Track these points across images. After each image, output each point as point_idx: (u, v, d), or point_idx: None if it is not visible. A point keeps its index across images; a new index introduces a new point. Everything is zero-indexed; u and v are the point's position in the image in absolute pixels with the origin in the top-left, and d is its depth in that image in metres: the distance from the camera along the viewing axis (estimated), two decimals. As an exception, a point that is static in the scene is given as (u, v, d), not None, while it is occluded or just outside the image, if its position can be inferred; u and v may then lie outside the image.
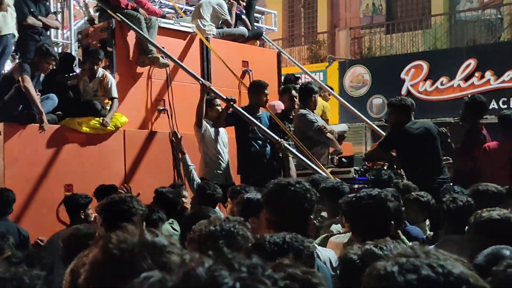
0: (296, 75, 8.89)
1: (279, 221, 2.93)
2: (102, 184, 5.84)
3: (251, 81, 7.76)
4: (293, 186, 3.00)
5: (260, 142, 6.78)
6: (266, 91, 6.78)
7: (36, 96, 6.47)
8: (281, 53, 9.37)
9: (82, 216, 4.91)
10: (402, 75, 15.55)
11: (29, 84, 6.39)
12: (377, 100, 16.02)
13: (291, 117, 7.14)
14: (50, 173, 6.67)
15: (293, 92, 7.20)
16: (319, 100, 8.70)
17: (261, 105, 6.83)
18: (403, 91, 15.31)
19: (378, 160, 6.89)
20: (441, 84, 15.17)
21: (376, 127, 8.79)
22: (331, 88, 9.61)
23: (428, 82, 15.26)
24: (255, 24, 9.31)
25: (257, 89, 6.82)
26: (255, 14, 9.58)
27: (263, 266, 1.03)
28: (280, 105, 7.58)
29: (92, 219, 5.08)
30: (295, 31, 20.68)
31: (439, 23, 17.31)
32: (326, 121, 8.50)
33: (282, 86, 7.44)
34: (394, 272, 1.21)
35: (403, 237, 4.23)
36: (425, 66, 15.36)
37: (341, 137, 8.38)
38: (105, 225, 3.09)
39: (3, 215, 4.96)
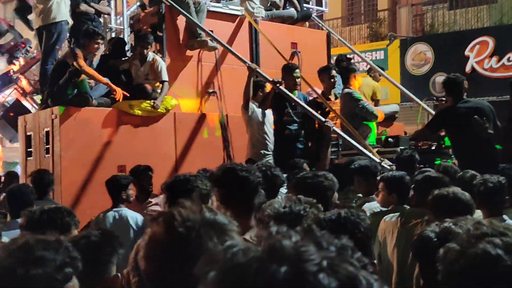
0: (348, 56, 8.92)
1: (227, 199, 3.03)
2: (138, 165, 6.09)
3: (299, 62, 7.90)
4: (239, 170, 3.09)
5: (295, 125, 6.96)
6: (294, 74, 6.93)
7: (98, 75, 6.84)
8: (331, 34, 9.41)
9: (124, 197, 5.16)
10: (467, 52, 15.24)
11: (86, 66, 6.77)
12: (440, 78, 15.67)
13: (330, 97, 7.24)
14: (103, 154, 7.02)
15: (333, 71, 7.27)
16: (369, 80, 8.76)
17: (293, 87, 6.98)
18: (468, 69, 15.01)
19: (424, 139, 6.89)
20: (508, 60, 14.79)
21: (426, 106, 8.73)
22: (382, 68, 9.58)
23: (494, 59, 14.90)
24: (305, 5, 9.38)
25: (287, 72, 6.98)
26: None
27: (353, 248, 0.99)
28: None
29: (132, 199, 5.36)
30: (354, 9, 20.50)
31: (506, -3, 16.80)
32: (377, 101, 8.55)
33: (321, 66, 7.52)
34: (501, 254, 1.19)
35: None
36: (490, 42, 14.99)
37: (391, 117, 8.42)
38: (170, 203, 3.12)
39: (43, 195, 5.31)
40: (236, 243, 0.99)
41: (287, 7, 8.87)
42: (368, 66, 9.75)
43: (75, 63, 6.68)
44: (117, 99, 6.92)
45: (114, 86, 6.90)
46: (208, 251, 1.39)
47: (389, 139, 6.81)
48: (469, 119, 6.26)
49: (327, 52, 8.98)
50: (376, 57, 17.43)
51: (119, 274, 2.42)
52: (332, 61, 8.75)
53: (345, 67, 7.28)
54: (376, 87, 8.59)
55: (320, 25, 9.36)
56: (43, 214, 2.81)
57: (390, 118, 8.37)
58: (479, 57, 15.11)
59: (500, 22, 16.62)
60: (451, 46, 15.61)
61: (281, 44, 8.17)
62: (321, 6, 9.84)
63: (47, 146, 6.94)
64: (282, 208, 2.49)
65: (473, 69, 15.03)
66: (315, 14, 9.75)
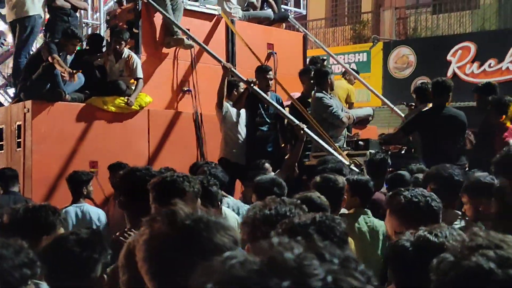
0: (323, 57, 9.12)
1: (127, 203, 3.31)
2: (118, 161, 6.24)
3: (275, 63, 8.10)
4: (138, 171, 3.37)
5: (267, 126, 7.16)
6: (267, 76, 7.14)
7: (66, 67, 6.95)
8: (308, 36, 9.61)
9: (85, 192, 5.30)
10: (449, 57, 15.54)
11: (62, 62, 6.89)
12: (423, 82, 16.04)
13: (309, 100, 7.44)
14: (76, 150, 7.14)
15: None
16: (344, 83, 8.97)
17: (266, 88, 7.18)
18: (449, 73, 15.30)
19: (395, 143, 7.12)
20: (489, 66, 15.10)
21: (398, 110, 8.97)
22: (357, 72, 9.80)
23: (476, 64, 15.20)
24: (283, 6, 9.57)
25: (260, 73, 7.19)
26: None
27: (355, 259, 0.96)
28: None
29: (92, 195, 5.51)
30: (338, 10, 20.74)
31: (488, 3, 17.09)
32: (351, 104, 8.75)
33: (301, 68, 7.72)
34: (493, 268, 1.17)
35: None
36: (472, 47, 15.29)
37: (365, 120, 8.62)
38: (158, 202, 3.15)
39: (8, 188, 5.48)
40: (235, 254, 0.96)
41: (265, 8, 9.06)
42: (343, 69, 9.97)
43: (49, 58, 6.80)
44: (69, 80, 6.95)
45: (67, 68, 6.94)
46: (217, 246, 1.39)
47: (360, 142, 7.01)
48: (443, 126, 6.52)
49: (303, 54, 9.17)
50: (359, 59, 17.69)
51: (105, 276, 2.42)
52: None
53: (319, 69, 7.47)
54: (350, 90, 8.79)
55: (297, 26, 9.55)
56: (27, 213, 2.81)
57: (363, 121, 8.57)
58: (460, 62, 15.42)
59: (482, 28, 16.94)
60: (433, 50, 15.91)
61: (257, 45, 8.34)
62: (299, 8, 10.04)
63: (18, 140, 7.04)
64: (267, 210, 2.49)
65: (454, 74, 15.32)
66: (293, 15, 9.94)
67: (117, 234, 3.32)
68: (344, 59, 17.74)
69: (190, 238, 1.43)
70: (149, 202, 3.15)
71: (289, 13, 9.76)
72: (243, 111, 7.44)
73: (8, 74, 8.66)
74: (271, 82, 7.34)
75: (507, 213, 3.36)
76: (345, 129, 7.50)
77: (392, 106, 8.99)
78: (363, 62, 17.57)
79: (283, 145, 7.59)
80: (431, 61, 15.75)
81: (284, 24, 9.50)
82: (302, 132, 6.80)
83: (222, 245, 1.44)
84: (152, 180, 3.29)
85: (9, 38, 8.80)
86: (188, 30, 7.84)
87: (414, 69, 16.23)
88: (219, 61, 7.31)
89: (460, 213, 4.06)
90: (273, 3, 9.12)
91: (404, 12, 18.79)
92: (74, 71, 6.90)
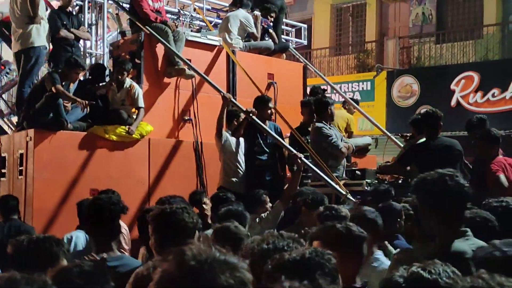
0: (323, 87, 9.32)
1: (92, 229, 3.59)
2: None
3: (275, 93, 8.31)
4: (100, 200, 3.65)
5: (265, 155, 7.33)
6: (269, 105, 7.32)
7: (70, 95, 7.18)
8: (308, 66, 9.84)
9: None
10: (452, 86, 15.72)
11: (65, 91, 7.12)
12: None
13: (309, 129, 7.61)
14: (77, 178, 7.27)
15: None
16: (344, 112, 9.16)
17: (266, 118, 7.36)
18: (453, 102, 15.50)
19: (392, 173, 7.26)
20: (493, 96, 15.26)
21: (395, 140, 9.12)
22: (356, 101, 10.00)
23: (479, 94, 15.37)
24: (284, 37, 9.81)
25: (261, 103, 7.36)
26: (285, 27, 10.08)
27: None
28: None
29: None
30: (343, 39, 21.04)
31: (491, 33, 17.34)
32: (351, 133, 8.92)
33: (302, 100, 7.92)
34: None
35: (390, 248, 4.63)
36: (476, 77, 15.48)
37: (364, 149, 8.78)
38: (156, 235, 3.24)
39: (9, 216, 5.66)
40: None
41: (266, 39, 9.29)
42: (343, 98, 10.18)
43: (52, 88, 7.03)
44: (82, 111, 7.21)
45: (78, 99, 7.21)
46: (221, 285, 1.43)
47: (356, 171, 7.16)
48: (439, 156, 6.66)
49: (303, 84, 9.39)
50: (363, 88, 17.92)
51: None
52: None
53: (319, 99, 7.65)
54: (350, 119, 8.97)
55: (297, 56, 9.77)
56: (30, 244, 2.88)
57: (363, 150, 8.73)
58: (464, 91, 15.59)
59: (485, 58, 17.15)
60: (437, 79, 16.10)
61: (257, 75, 8.55)
62: (301, 38, 10.29)
63: (20, 168, 7.19)
64: (265, 245, 2.54)
65: (458, 103, 15.51)
66: (294, 46, 10.18)
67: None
68: (348, 87, 18.00)
69: (195, 280, 1.47)
70: (112, 228, 3.34)
71: (290, 44, 10.00)
72: (243, 141, 7.61)
73: (12, 103, 8.88)
74: (270, 112, 7.52)
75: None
76: (344, 158, 7.65)
77: (389, 135, 9.16)
78: (367, 91, 17.81)
79: (281, 174, 7.75)
80: (434, 90, 15.95)
81: (284, 54, 9.73)
82: (300, 161, 6.96)
83: (227, 287, 1.47)
84: (152, 211, 3.39)
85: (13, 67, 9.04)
86: (190, 60, 8.06)
87: (418, 98, 16.42)
88: (219, 91, 7.52)
89: None
90: (273, 34, 9.36)
91: (408, 42, 19.06)
92: (87, 102, 7.15)
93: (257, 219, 6.15)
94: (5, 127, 8.67)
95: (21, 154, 7.21)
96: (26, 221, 6.72)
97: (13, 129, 8.20)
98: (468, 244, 3.04)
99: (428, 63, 18.21)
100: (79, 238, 5.40)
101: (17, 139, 7.40)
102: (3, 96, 9.24)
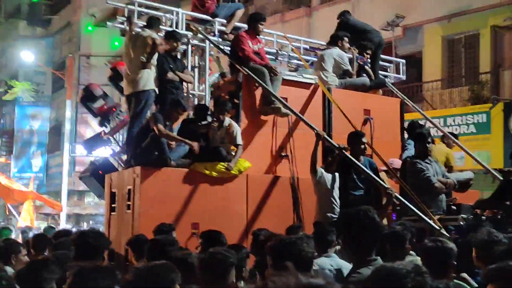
0: (421, 122, 9.54)
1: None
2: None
3: (371, 129, 8.67)
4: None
5: (360, 191, 7.65)
6: (363, 140, 7.66)
7: (175, 135, 7.93)
8: (405, 101, 10.10)
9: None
10: None
11: (166, 131, 7.89)
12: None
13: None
14: (180, 212, 7.93)
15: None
16: (443, 147, 9.32)
17: (359, 153, 7.70)
18: None
19: (489, 208, 7.36)
20: None
21: (497, 174, 9.13)
22: (455, 136, 10.09)
23: None
24: (382, 73, 10.16)
25: (354, 139, 7.72)
26: (383, 63, 10.43)
27: None
28: (398, 163, 8.36)
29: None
30: (455, 71, 20.89)
31: None
32: (450, 168, 9.05)
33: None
34: None
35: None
36: None
37: (465, 184, 8.85)
38: (274, 267, 3.35)
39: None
40: None
41: (362, 75, 9.70)
42: (441, 133, 10.32)
43: (154, 128, 7.83)
44: (195, 153, 7.93)
45: (189, 142, 7.94)
46: None
47: (452, 206, 7.34)
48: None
49: (401, 119, 9.66)
50: (478, 120, 17.74)
51: None
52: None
53: (421, 133, 7.91)
54: (449, 153, 9.11)
55: (394, 92, 10.08)
56: (151, 271, 3.13)
57: (463, 186, 8.81)
58: None
59: None
60: (557, 109, 15.72)
61: (353, 111, 8.94)
62: (399, 74, 10.58)
63: (128, 203, 7.98)
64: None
65: None
66: (392, 81, 10.50)
67: None
68: (462, 120, 17.89)
69: None
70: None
71: (386, 79, 10.33)
72: (337, 176, 8.00)
73: (123, 142, 9.80)
74: (364, 147, 7.87)
75: None
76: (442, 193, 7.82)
77: (488, 168, 9.18)
78: (482, 123, 17.60)
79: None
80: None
81: (381, 90, 10.08)
82: (393, 197, 7.26)
83: None
84: (270, 242, 3.55)
85: (123, 109, 9.98)
86: (286, 98, 8.61)
87: (537, 130, 16.06)
88: (312, 128, 7.97)
89: None
90: (369, 70, 9.75)
91: (525, 72, 18.69)
92: (199, 144, 7.90)
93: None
94: (116, 165, 9.60)
95: (129, 190, 7.96)
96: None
97: (123, 166, 9.07)
98: None
99: (547, 93, 17.76)
100: None
101: (126, 175, 8.21)
102: (115, 136, 10.23)
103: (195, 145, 7.98)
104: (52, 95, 35.03)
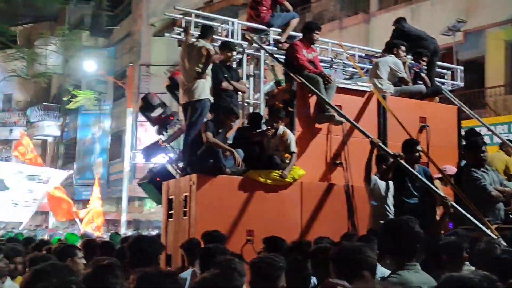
0: (478, 130, 9.45)
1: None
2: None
3: (427, 137, 8.66)
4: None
5: (414, 199, 7.64)
6: (418, 147, 7.65)
7: (220, 143, 8.13)
8: (463, 108, 10.02)
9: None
10: None
11: (213, 138, 8.10)
12: None
13: None
14: (234, 219, 8.09)
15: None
16: (502, 154, 9.21)
17: (414, 161, 7.68)
18: None
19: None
20: None
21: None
22: (513, 142, 9.94)
23: None
24: (438, 79, 10.11)
25: (408, 147, 7.71)
26: (440, 70, 10.36)
27: None
28: (451, 170, 8.31)
29: None
30: (519, 76, 20.45)
31: None
32: (510, 176, 8.93)
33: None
34: None
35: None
36: None
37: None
38: (337, 273, 3.48)
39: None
40: None
41: (418, 82, 9.69)
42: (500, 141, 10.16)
43: (203, 135, 8.05)
44: (236, 163, 8.11)
45: (232, 150, 8.11)
46: None
47: (510, 215, 7.25)
48: None
49: (458, 126, 9.57)
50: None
51: None
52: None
53: (469, 142, 7.86)
54: (509, 161, 8.98)
55: (451, 99, 10.01)
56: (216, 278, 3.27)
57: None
58: None
59: None
60: None
61: (409, 119, 8.93)
62: (457, 81, 10.49)
63: (185, 210, 8.21)
64: None
65: None
66: (450, 88, 10.42)
67: None
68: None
69: None
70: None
71: (443, 86, 10.27)
72: (391, 184, 8.02)
73: (180, 150, 10.08)
74: (418, 155, 7.85)
75: None
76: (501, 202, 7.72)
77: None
78: (501, 136, 17.17)
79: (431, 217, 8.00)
80: None
81: (437, 97, 10.02)
82: (449, 206, 7.24)
83: None
84: (332, 250, 3.68)
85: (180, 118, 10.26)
86: (340, 106, 8.68)
87: None
88: (367, 136, 8.02)
89: None
90: (425, 77, 9.72)
91: None
92: (234, 153, 8.09)
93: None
94: (173, 172, 9.88)
95: (186, 197, 8.20)
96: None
97: (180, 173, 9.33)
98: None
99: None
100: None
101: (182, 183, 8.46)
102: (172, 144, 10.52)
103: (237, 156, 8.12)
104: (113, 104, 36.01)
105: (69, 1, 37.50)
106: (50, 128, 39.93)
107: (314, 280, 4.80)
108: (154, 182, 9.90)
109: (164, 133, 10.39)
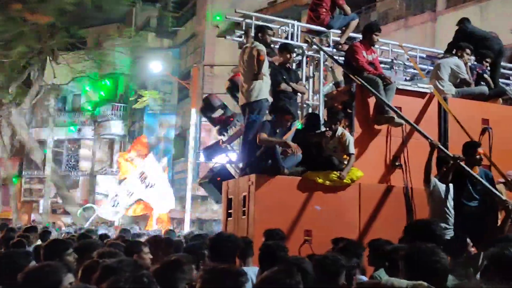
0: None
1: None
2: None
3: (490, 139, 8.58)
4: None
5: (475, 202, 7.58)
6: (479, 149, 7.60)
7: (272, 138, 8.27)
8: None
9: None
10: None
11: (264, 136, 8.24)
12: None
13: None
14: (293, 219, 8.23)
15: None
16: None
17: (475, 164, 7.63)
18: None
19: None
20: None
21: None
22: None
23: None
24: (503, 81, 9.96)
25: (469, 149, 7.66)
26: (505, 71, 10.19)
27: None
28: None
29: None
30: None
31: None
32: None
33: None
34: None
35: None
36: None
37: None
38: (408, 272, 3.61)
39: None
40: None
41: (481, 84, 9.57)
42: None
43: (257, 134, 8.22)
44: (295, 154, 8.22)
45: (287, 142, 8.26)
46: None
47: None
48: None
49: (524, 129, 9.42)
50: None
51: None
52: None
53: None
54: None
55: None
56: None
57: None
58: None
59: None
60: None
61: (471, 121, 8.85)
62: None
63: (243, 209, 8.40)
64: None
65: None
66: (514, 90, 10.25)
67: None
68: None
69: None
70: None
71: (508, 88, 10.11)
72: (452, 186, 7.97)
73: (239, 151, 10.29)
74: (479, 158, 7.79)
75: None
76: None
77: None
78: None
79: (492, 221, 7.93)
80: None
81: (501, 99, 9.87)
82: (510, 210, 7.18)
83: None
84: (405, 249, 3.79)
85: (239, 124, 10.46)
86: (400, 108, 8.69)
87: None
88: (426, 138, 8.01)
89: None
90: (488, 78, 9.60)
91: None
92: (296, 146, 8.22)
93: None
94: (233, 172, 10.10)
95: (244, 197, 8.39)
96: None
97: (239, 173, 9.54)
98: None
99: None
100: None
101: (241, 183, 8.65)
102: (232, 144, 10.74)
103: (292, 145, 8.21)
104: (178, 104, 36.67)
105: (136, 3, 38.40)
106: (117, 127, 40.97)
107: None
108: (214, 181, 10.14)
109: (225, 133, 10.62)
